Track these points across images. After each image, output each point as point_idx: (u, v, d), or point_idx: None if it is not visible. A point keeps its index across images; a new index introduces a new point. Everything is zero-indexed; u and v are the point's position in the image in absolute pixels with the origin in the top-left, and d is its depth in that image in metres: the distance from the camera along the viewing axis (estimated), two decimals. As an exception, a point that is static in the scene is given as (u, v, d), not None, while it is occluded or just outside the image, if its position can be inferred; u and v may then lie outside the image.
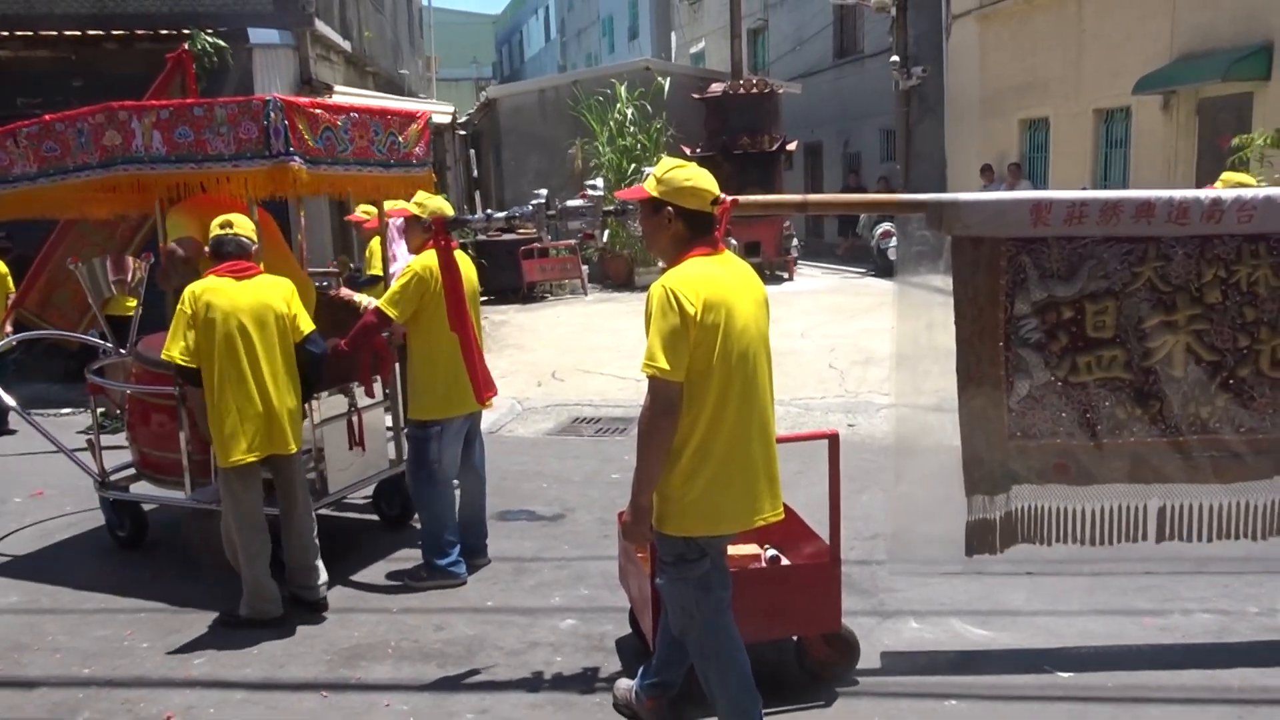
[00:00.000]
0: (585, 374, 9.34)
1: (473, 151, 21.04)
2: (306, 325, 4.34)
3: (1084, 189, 13.77)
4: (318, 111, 4.51)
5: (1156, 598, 4.19)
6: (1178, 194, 3.53)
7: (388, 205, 5.62)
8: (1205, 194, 3.52)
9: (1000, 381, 3.63)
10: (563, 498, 5.84)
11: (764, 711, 3.07)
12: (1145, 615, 4.06)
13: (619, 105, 16.58)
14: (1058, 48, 14.84)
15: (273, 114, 4.25)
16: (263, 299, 4.18)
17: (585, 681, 3.65)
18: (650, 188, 3.03)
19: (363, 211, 7.77)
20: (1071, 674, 3.61)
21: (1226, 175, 5.39)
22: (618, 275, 16.17)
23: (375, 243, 7.97)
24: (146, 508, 5.28)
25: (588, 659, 3.83)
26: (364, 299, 5.36)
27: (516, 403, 8.25)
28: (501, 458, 6.29)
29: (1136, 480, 3.73)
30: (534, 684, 3.65)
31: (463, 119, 19.97)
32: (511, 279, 14.69)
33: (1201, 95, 12.27)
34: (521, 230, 13.93)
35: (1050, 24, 14.95)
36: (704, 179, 3.00)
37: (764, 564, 3.73)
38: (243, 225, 4.31)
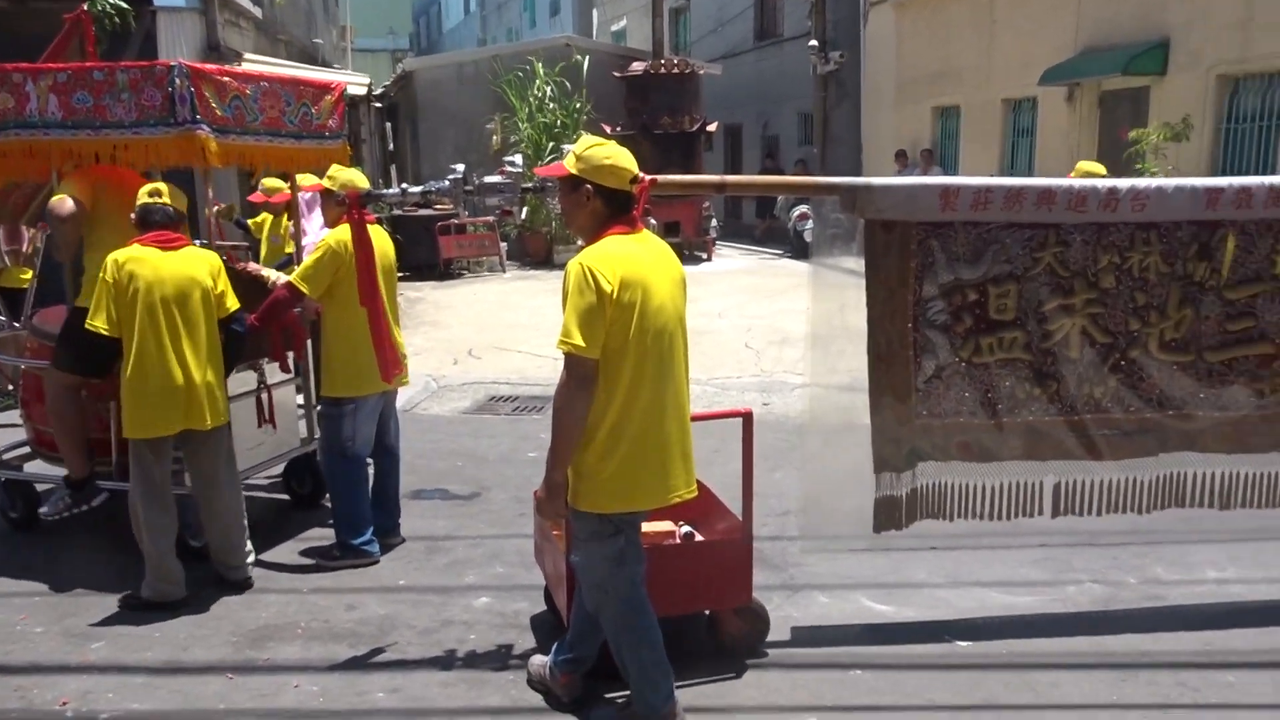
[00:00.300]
0: (502, 352, 9.29)
1: (389, 125, 20.63)
2: (232, 303, 4.26)
3: (992, 176, 14.18)
4: (226, 79, 4.36)
5: (1050, 569, 4.38)
6: (1077, 183, 3.67)
7: (301, 179, 5.49)
8: (1102, 183, 3.66)
9: (908, 362, 3.74)
10: (478, 476, 5.81)
11: (676, 684, 3.13)
12: (1040, 586, 4.24)
13: (538, 81, 16.44)
14: (970, 37, 15.21)
15: (178, 80, 4.10)
16: (188, 272, 4.07)
17: (499, 658, 3.66)
18: (569, 165, 3.03)
19: (264, 190, 7.57)
20: (970, 643, 3.76)
21: (1080, 164, 5.66)
22: (536, 253, 16.09)
23: (266, 217, 7.81)
24: (41, 488, 5.09)
25: (502, 636, 3.83)
26: (272, 274, 5.24)
27: (432, 380, 8.16)
28: (416, 436, 6.22)
29: (1034, 457, 3.87)
30: (447, 662, 3.64)
31: (379, 91, 19.55)
32: (428, 255, 14.49)
33: (1103, 88, 12.74)
34: (439, 206, 13.74)
35: (964, 14, 15.32)
36: (623, 158, 3.02)
37: (678, 540, 3.78)
38: (172, 195, 4.17)
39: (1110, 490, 3.99)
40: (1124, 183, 3.67)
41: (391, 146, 20.93)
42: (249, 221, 8.29)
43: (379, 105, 19.56)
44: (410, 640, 3.82)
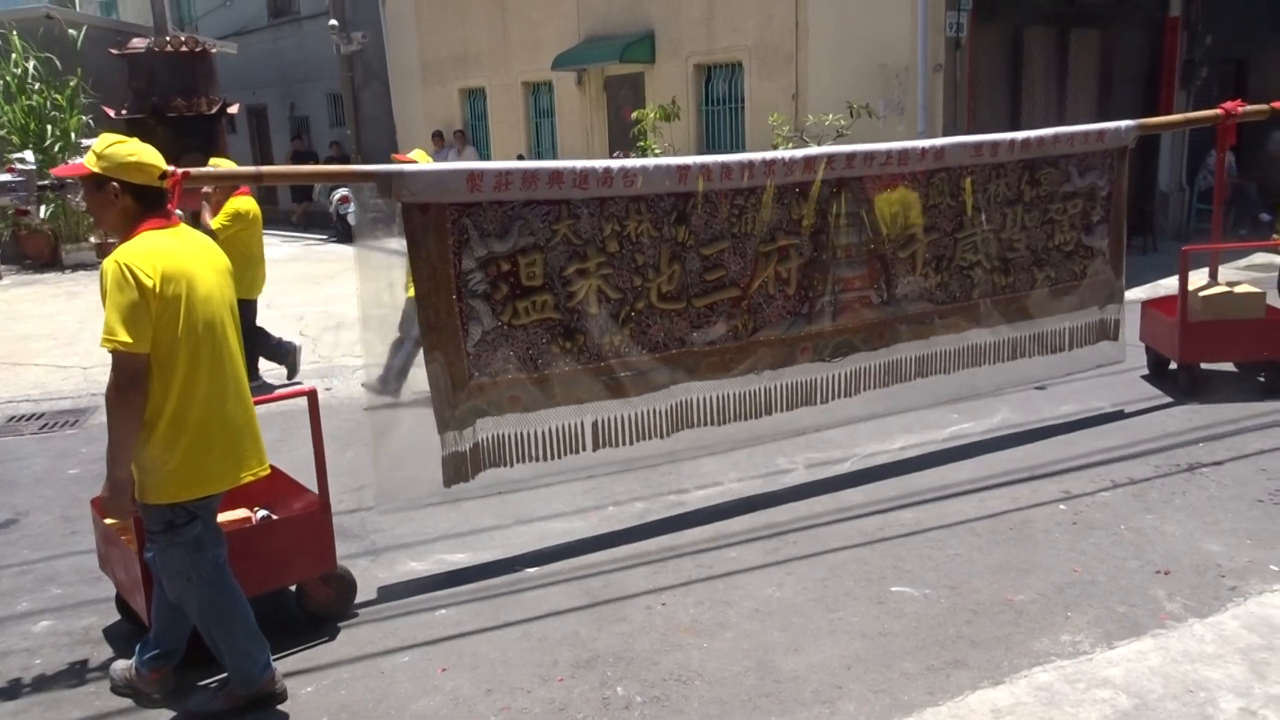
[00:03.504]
0: (15, 367, 8.27)
1: None
2: None
3: (519, 156, 15.20)
4: None
5: (597, 497, 5.09)
6: (580, 164, 4.30)
7: None
8: (600, 164, 4.33)
9: (457, 330, 4.15)
10: (10, 502, 5.28)
11: (272, 656, 3.28)
12: (590, 511, 4.93)
13: (15, 58, 14.41)
14: (485, 23, 16.02)
15: None
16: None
17: (75, 675, 3.52)
18: (91, 164, 3.01)
19: None
20: (537, 568, 4.32)
21: (416, 152, 6.92)
22: (38, 254, 14.21)
23: None
24: None
25: (73, 654, 3.67)
26: None
27: (-71, 408, 7.09)
28: (-80, 471, 5.47)
29: (571, 402, 4.49)
30: (13, 692, 3.42)
31: None
32: (-108, 265, 12.21)
33: (607, 73, 14.20)
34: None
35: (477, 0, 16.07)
36: (148, 154, 3.06)
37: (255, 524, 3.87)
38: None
39: (637, 422, 4.73)
40: (615, 163, 4.39)
41: None
42: None
43: None
44: (-36, 679, 3.51)
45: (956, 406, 6.10)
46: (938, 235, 5.33)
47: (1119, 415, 6.01)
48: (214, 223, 6.75)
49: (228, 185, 6.44)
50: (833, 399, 5.27)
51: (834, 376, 5.24)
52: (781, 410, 5.13)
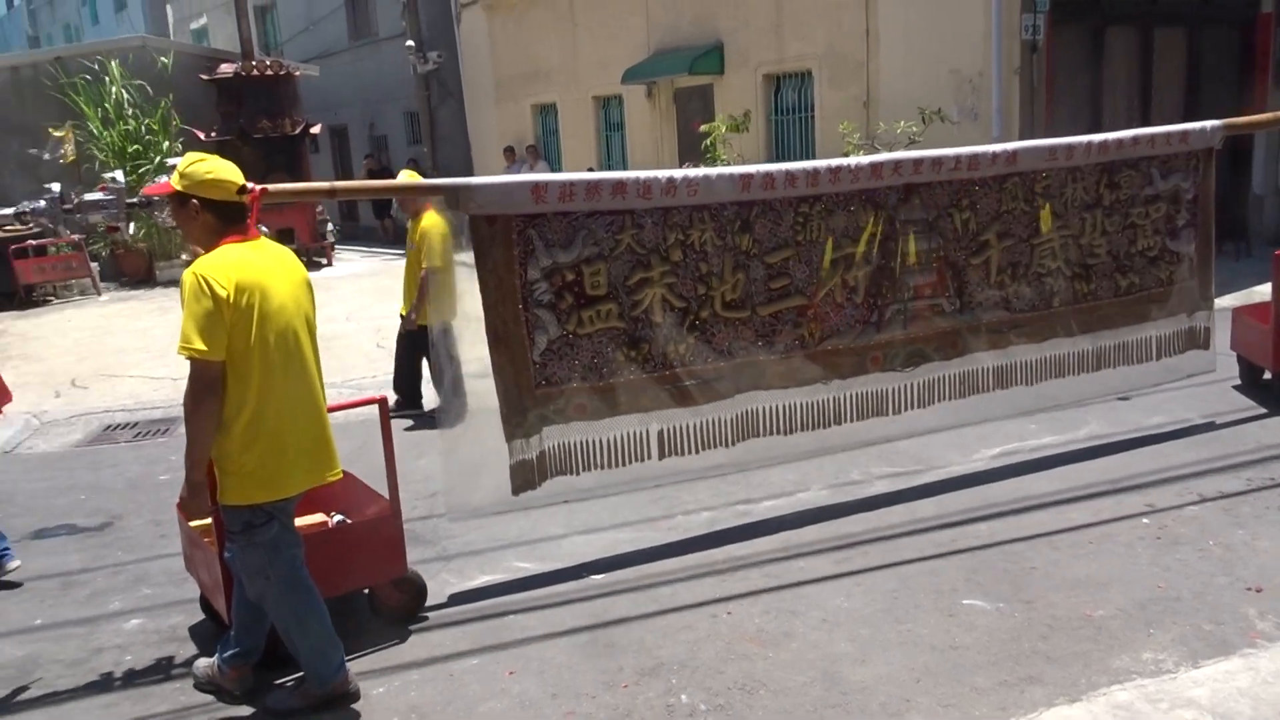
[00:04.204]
0: (112, 379, 8.64)
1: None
2: None
3: (590, 169, 15.35)
4: None
5: (665, 506, 5.10)
6: (643, 174, 4.33)
7: None
8: (663, 174, 4.36)
9: (523, 339, 4.21)
10: (106, 507, 5.52)
11: (345, 657, 3.37)
12: (658, 520, 4.94)
13: (113, 85, 15.09)
14: (556, 39, 16.25)
15: None
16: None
17: (162, 671, 3.66)
18: (175, 182, 3.17)
19: None
20: (603, 575, 4.35)
21: (405, 173, 6.90)
22: (135, 271, 14.83)
23: None
24: None
25: (161, 651, 3.82)
26: None
27: (33, 417, 7.44)
28: (22, 477, 5.77)
29: (637, 410, 4.50)
30: (105, 685, 3.58)
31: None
32: (1, 282, 12.85)
33: (676, 86, 14.26)
34: (8, 227, 12.23)
35: (547, 17, 16.31)
36: (226, 170, 3.19)
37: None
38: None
39: (703, 431, 4.70)
40: (678, 173, 4.41)
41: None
42: None
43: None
44: (59, 674, 3.68)
45: (1035, 418, 5.94)
46: (1012, 241, 5.22)
47: (1209, 427, 5.78)
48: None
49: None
50: (906, 410, 5.17)
51: (907, 387, 5.14)
52: (852, 420, 5.05)
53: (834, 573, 4.21)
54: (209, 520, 3.48)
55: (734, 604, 3.99)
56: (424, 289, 6.41)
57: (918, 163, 4.89)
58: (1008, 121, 10.10)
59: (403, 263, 7.05)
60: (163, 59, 15.57)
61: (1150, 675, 3.30)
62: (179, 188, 3.15)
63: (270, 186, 3.74)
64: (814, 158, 11.67)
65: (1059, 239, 5.36)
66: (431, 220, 6.44)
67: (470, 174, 15.66)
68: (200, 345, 2.97)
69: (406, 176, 6.63)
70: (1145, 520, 4.54)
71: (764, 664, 3.51)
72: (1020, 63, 10.00)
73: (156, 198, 3.57)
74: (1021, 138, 9.63)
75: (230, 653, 3.39)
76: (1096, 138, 5.42)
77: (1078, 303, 5.48)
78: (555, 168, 16.53)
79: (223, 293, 3.01)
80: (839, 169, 4.71)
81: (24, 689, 3.60)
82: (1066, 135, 5.74)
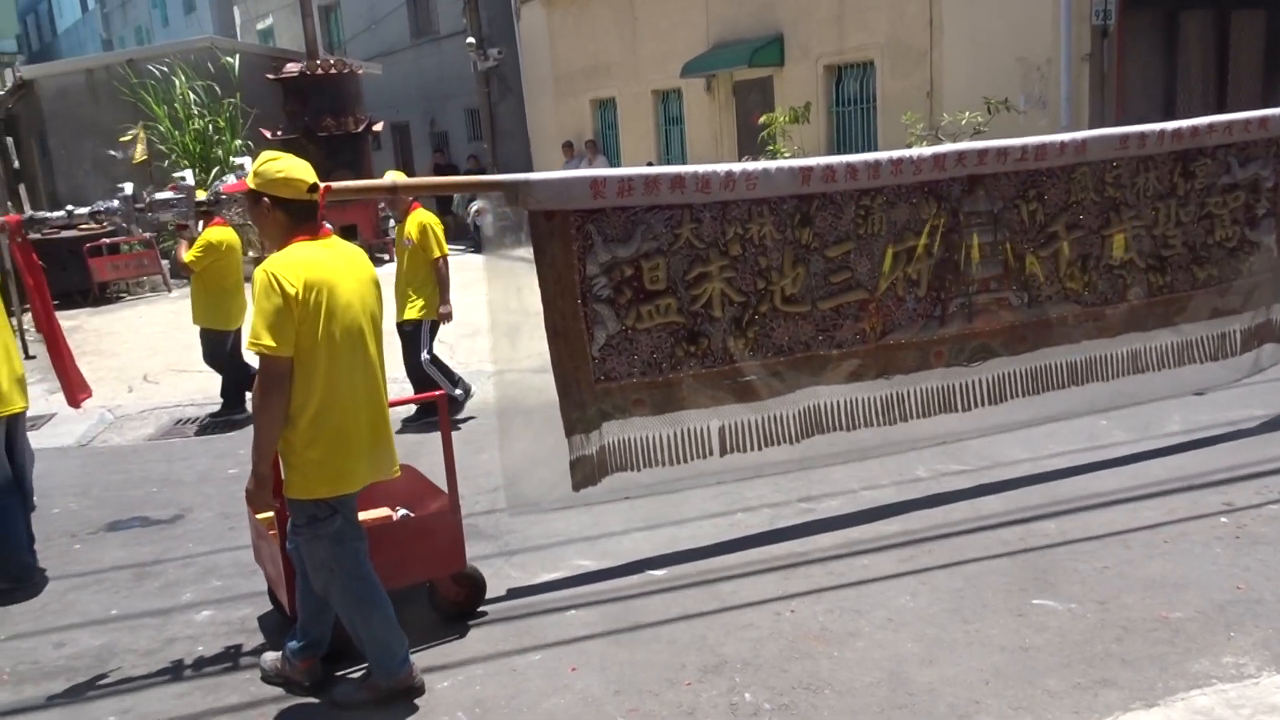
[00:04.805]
0: (182, 374, 8.86)
1: (9, 140, 18.46)
2: None
3: (649, 163, 15.34)
4: None
5: (726, 502, 5.06)
6: (702, 168, 4.29)
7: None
8: (721, 168, 4.31)
9: (582, 334, 4.20)
10: (177, 500, 5.66)
11: (409, 651, 3.40)
12: (718, 516, 4.91)
13: (181, 86, 15.47)
14: (615, 34, 16.25)
15: None
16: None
17: (231, 661, 3.74)
18: (250, 181, 3.23)
19: None
20: (664, 570, 4.33)
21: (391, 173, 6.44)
22: (204, 269, 15.19)
23: None
24: None
25: (231, 642, 3.90)
26: None
27: (107, 411, 7.67)
28: (97, 470, 5.93)
29: (697, 406, 4.47)
30: (177, 674, 3.67)
31: (-11, 103, 17.45)
32: (77, 279, 13.27)
33: (735, 79, 14.17)
34: (83, 226, 12.62)
35: (607, 12, 16.32)
36: (297, 169, 3.23)
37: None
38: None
39: (764, 426, 4.65)
40: (737, 167, 4.36)
41: (16, 164, 18.71)
42: None
43: (-9, 119, 17.48)
44: (134, 664, 3.78)
45: (1107, 414, 5.78)
46: (1082, 233, 5.07)
47: (1290, 422, 5.58)
48: (186, 256, 6.72)
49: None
50: (974, 406, 5.05)
51: (975, 382, 5.02)
52: (917, 416, 4.95)
53: (898, 571, 4.15)
54: (272, 513, 3.55)
55: (796, 601, 3.95)
56: (443, 278, 6.59)
57: (982, 153, 4.77)
58: (1077, 110, 9.84)
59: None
60: (229, 59, 15.91)
61: (1231, 680, 3.19)
62: (252, 185, 3.21)
63: (334, 184, 3.80)
64: (876, 150, 11.51)
65: (1131, 230, 5.19)
66: (425, 215, 6.63)
67: (530, 169, 15.76)
68: (269, 341, 3.02)
69: (392, 177, 6.61)
70: (1223, 519, 4.39)
71: (828, 663, 3.47)
72: (1090, 49, 9.73)
73: (224, 195, 3.63)
74: (1091, 126, 9.37)
75: (298, 644, 3.45)
76: (1169, 125, 5.24)
77: (1153, 295, 5.31)
78: (614, 162, 16.55)
79: (292, 290, 3.05)
80: (900, 161, 4.61)
81: (101, 677, 3.70)
82: (1138, 123, 5.56)
